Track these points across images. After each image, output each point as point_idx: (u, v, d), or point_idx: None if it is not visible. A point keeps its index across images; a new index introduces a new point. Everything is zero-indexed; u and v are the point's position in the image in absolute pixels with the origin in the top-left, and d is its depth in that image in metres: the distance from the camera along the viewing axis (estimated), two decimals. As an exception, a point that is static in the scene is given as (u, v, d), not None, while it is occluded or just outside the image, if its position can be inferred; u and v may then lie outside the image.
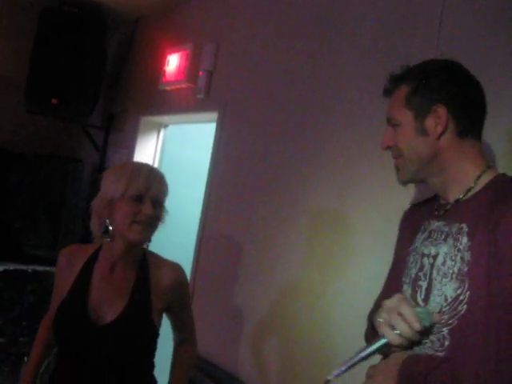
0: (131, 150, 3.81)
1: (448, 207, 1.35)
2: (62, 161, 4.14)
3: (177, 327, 1.86)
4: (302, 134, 2.42)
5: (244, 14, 3.01)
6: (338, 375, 1.17)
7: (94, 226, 1.72)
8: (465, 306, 1.20)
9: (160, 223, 1.73)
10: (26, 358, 1.88)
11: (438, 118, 1.32)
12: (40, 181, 3.98)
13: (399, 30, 2.06)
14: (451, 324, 1.22)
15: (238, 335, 2.57)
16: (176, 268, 1.82)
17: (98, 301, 1.68)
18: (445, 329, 1.23)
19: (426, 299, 1.29)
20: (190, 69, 3.28)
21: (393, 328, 1.19)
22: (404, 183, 1.41)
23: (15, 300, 3.35)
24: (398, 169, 1.39)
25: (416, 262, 1.38)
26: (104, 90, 4.08)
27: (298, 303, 2.28)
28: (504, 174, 1.35)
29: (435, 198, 1.47)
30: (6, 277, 3.35)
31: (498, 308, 1.16)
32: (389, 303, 1.24)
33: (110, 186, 1.68)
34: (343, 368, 1.18)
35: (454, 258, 1.26)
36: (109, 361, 1.65)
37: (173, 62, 3.45)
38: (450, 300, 1.23)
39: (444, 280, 1.26)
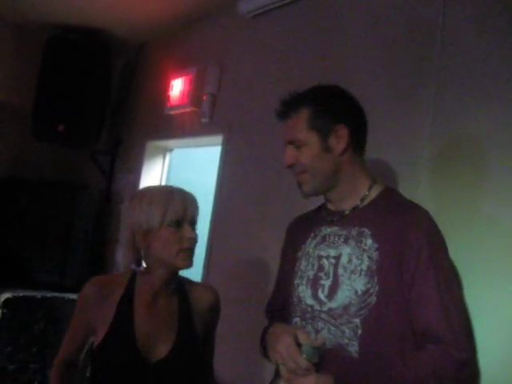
0: (138, 175, 3.83)
1: (346, 213, 1.51)
2: (69, 187, 4.15)
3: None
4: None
5: (247, 37, 3.04)
6: None
7: (126, 258, 1.64)
8: (374, 298, 1.38)
9: None
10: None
11: (340, 137, 1.47)
12: (47, 207, 3.98)
13: (400, 67, 2.07)
14: (362, 314, 1.38)
15: (245, 361, 2.55)
16: (212, 290, 1.79)
17: (145, 335, 1.58)
18: (356, 319, 1.38)
19: (332, 294, 1.43)
20: (194, 93, 3.30)
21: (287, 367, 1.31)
22: (307, 196, 1.56)
23: (25, 326, 3.33)
24: (301, 183, 1.53)
25: (313, 265, 1.51)
26: (110, 115, 4.11)
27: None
28: (391, 187, 1.57)
29: (320, 208, 1.65)
30: (16, 303, 3.34)
31: (405, 297, 1.36)
32: (280, 347, 1.33)
33: (143, 214, 1.58)
34: None
35: (360, 257, 1.42)
36: None
37: (177, 87, 3.47)
38: (359, 293, 1.39)
39: (353, 276, 1.41)
